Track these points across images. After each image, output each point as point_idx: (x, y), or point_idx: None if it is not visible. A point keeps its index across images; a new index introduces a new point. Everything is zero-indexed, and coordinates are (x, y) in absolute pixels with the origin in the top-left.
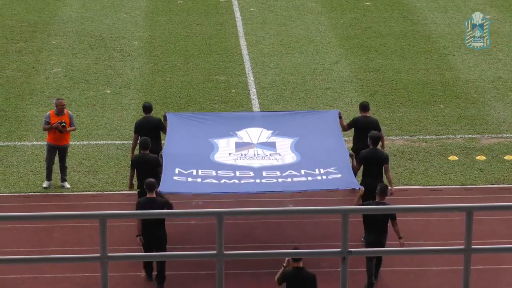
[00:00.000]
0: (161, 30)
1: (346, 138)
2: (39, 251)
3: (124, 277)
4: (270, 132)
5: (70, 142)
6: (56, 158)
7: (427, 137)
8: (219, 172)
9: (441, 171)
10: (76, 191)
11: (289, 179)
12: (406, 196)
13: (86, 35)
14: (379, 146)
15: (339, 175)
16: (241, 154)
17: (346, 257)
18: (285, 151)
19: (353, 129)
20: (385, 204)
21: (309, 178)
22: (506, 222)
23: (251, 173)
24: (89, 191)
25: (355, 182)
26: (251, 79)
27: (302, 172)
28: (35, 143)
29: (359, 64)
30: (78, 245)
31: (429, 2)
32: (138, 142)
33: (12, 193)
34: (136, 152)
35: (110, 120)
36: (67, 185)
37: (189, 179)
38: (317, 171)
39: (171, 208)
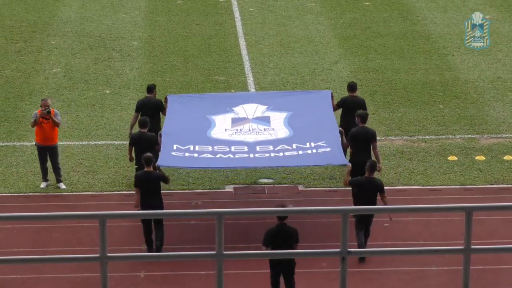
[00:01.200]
0: (161, 30)
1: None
2: (39, 251)
3: (124, 277)
4: (265, 107)
5: (70, 142)
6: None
7: (427, 137)
8: (215, 147)
9: (441, 171)
10: (75, 191)
11: (281, 154)
12: (406, 196)
13: (85, 35)
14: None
15: (328, 149)
16: (237, 130)
17: (345, 257)
18: (278, 126)
19: (341, 108)
20: (374, 180)
21: (300, 152)
22: (505, 222)
23: (246, 148)
24: (88, 191)
25: (343, 158)
26: (250, 79)
27: (294, 146)
28: (34, 143)
29: (358, 64)
30: (78, 245)
31: (429, 2)
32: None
33: (11, 193)
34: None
35: (110, 120)
36: (62, 186)
37: (186, 154)
38: (308, 145)
39: (167, 181)
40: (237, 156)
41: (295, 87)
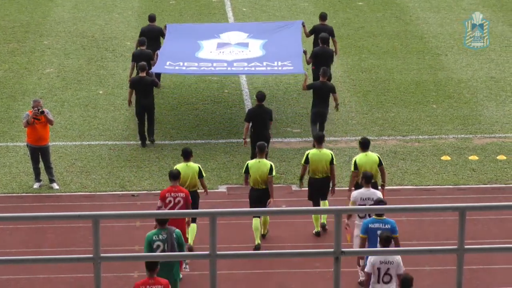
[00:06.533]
0: None
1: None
2: (33, 252)
3: (117, 277)
4: (246, 35)
5: (63, 143)
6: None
7: (420, 137)
8: (200, 63)
9: (434, 171)
10: (68, 192)
11: (253, 68)
12: (399, 196)
13: (78, 35)
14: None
15: (291, 67)
16: (219, 52)
17: (339, 257)
18: (255, 48)
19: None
20: (327, 83)
21: (268, 68)
22: (498, 222)
23: (225, 64)
24: (81, 192)
25: (301, 69)
26: (243, 79)
27: (264, 64)
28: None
29: (351, 64)
30: (71, 245)
31: (422, 2)
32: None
33: (4, 194)
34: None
35: (103, 121)
36: (55, 186)
37: (176, 67)
38: (275, 63)
39: (157, 85)
40: (217, 68)
41: (288, 87)
